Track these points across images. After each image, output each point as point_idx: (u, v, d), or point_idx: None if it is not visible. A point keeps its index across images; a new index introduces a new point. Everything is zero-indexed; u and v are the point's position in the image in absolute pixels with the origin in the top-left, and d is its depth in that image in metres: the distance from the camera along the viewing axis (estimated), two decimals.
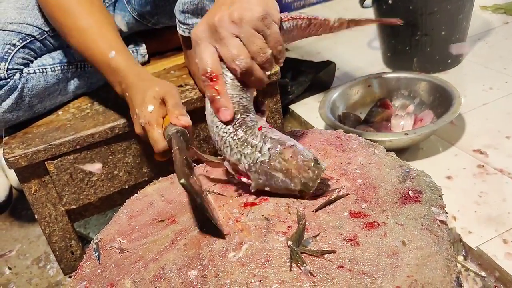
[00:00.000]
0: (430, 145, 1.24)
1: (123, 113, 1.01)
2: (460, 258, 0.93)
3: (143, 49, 1.18)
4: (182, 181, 0.58)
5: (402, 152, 1.22)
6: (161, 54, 1.25)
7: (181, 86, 1.08)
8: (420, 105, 1.32)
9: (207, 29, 0.62)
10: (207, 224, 0.60)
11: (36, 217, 1.02)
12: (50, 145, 0.95)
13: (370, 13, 1.63)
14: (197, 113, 0.97)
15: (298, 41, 0.72)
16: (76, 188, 1.01)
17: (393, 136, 1.16)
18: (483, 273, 0.90)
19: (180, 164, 0.63)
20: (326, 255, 0.54)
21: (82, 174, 1.01)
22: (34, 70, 0.98)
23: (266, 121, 0.68)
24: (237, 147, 0.63)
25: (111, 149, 1.02)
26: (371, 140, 0.76)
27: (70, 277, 1.10)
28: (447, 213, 0.59)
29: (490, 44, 1.68)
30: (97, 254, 0.63)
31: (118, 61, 0.85)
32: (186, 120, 0.77)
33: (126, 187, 1.06)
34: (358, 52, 1.80)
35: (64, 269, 1.10)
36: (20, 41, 0.96)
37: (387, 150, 0.73)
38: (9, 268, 1.17)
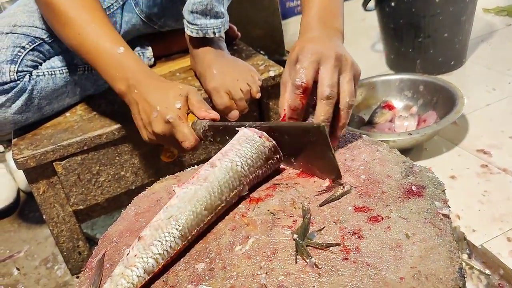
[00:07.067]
0: (434, 145, 1.25)
1: (130, 115, 1.02)
2: (465, 256, 0.94)
3: (149, 52, 1.19)
4: (322, 124, 0.65)
5: (406, 152, 1.22)
6: (167, 57, 1.26)
7: None
8: (423, 106, 1.33)
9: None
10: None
11: (44, 217, 1.03)
12: (58, 146, 0.97)
13: (373, 16, 1.64)
14: None
15: None
16: (83, 189, 1.03)
17: (397, 136, 1.17)
18: (487, 271, 0.90)
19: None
20: (331, 248, 0.55)
21: (89, 175, 1.02)
22: (43, 72, 1.00)
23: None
24: None
25: (118, 150, 1.03)
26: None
27: (77, 277, 1.11)
28: (449, 207, 0.60)
29: (492, 46, 1.69)
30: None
31: (128, 57, 0.84)
32: (215, 113, 0.82)
33: (133, 188, 1.08)
34: (362, 55, 1.81)
35: (72, 270, 1.12)
36: (30, 43, 0.98)
37: None
38: (18, 269, 1.18)
